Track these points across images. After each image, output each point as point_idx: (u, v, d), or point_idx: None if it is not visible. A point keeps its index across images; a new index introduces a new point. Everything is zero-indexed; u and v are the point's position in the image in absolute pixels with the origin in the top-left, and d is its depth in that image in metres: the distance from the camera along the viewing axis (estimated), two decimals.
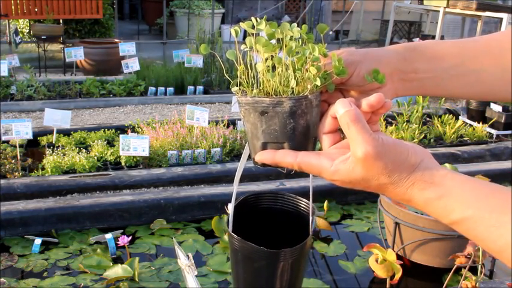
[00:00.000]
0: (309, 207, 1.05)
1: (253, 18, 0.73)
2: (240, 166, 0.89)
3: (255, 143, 0.75)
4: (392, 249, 2.27)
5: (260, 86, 0.74)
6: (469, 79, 0.76)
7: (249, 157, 0.80)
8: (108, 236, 2.51)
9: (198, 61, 5.60)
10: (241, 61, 0.74)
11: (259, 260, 0.99)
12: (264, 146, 0.74)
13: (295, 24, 0.73)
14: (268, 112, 0.71)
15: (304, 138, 0.73)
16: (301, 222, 1.06)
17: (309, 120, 0.72)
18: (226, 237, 2.61)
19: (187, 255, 1.86)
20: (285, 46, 0.72)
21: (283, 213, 1.07)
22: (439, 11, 6.67)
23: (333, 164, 0.65)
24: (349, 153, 0.64)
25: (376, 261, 1.99)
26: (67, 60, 5.76)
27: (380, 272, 2.00)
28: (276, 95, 0.72)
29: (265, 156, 0.71)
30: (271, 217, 1.07)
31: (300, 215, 1.06)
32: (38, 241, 2.53)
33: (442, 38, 7.14)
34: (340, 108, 0.63)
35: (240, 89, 0.75)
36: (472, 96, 0.82)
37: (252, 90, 0.74)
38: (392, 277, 2.03)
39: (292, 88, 0.72)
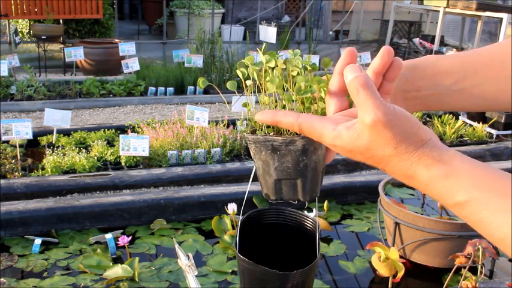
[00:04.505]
0: (312, 224, 1.06)
1: (259, 51, 0.72)
2: (244, 202, 0.89)
3: (267, 179, 0.74)
4: None
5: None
6: (471, 93, 0.75)
7: (255, 178, 0.79)
8: (108, 236, 2.51)
9: (198, 61, 5.60)
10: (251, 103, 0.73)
11: (270, 281, 1.00)
12: (277, 183, 0.73)
13: (298, 51, 0.72)
14: (281, 150, 0.70)
15: (315, 172, 0.73)
16: (303, 235, 1.08)
17: (319, 154, 0.72)
18: (226, 237, 2.61)
19: (187, 255, 1.86)
20: (291, 78, 0.71)
21: (285, 227, 1.09)
22: (439, 11, 6.67)
23: (336, 129, 0.61)
24: (355, 120, 0.60)
25: (379, 259, 1.98)
26: (67, 60, 5.77)
27: (382, 271, 2.00)
28: (287, 132, 0.71)
29: (266, 116, 0.68)
30: (275, 231, 1.08)
31: (301, 228, 1.08)
32: (38, 241, 2.53)
33: (442, 38, 7.14)
34: (349, 74, 0.59)
35: (248, 128, 0.74)
36: (475, 109, 0.81)
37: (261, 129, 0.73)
38: (394, 276, 2.03)
39: None
